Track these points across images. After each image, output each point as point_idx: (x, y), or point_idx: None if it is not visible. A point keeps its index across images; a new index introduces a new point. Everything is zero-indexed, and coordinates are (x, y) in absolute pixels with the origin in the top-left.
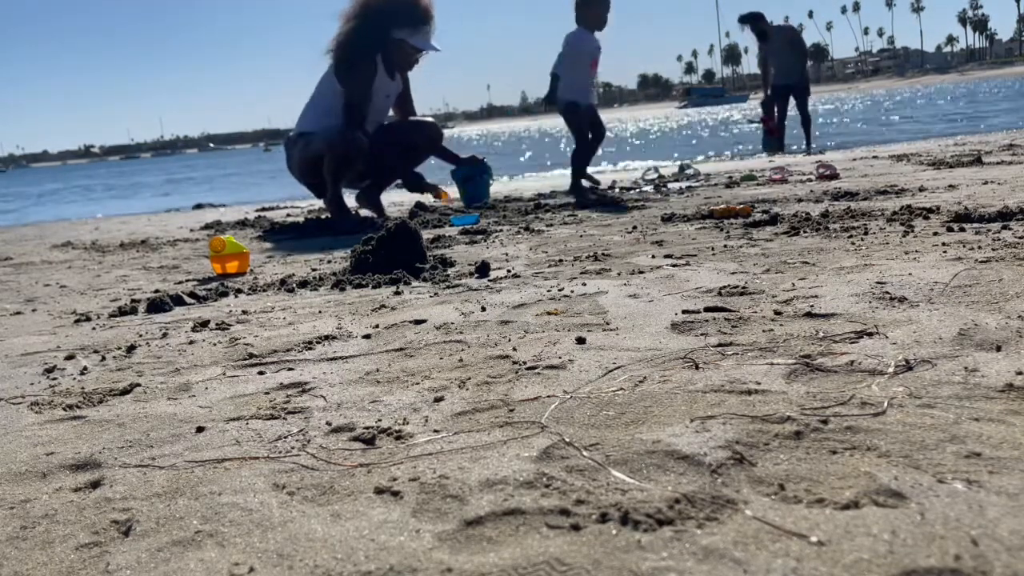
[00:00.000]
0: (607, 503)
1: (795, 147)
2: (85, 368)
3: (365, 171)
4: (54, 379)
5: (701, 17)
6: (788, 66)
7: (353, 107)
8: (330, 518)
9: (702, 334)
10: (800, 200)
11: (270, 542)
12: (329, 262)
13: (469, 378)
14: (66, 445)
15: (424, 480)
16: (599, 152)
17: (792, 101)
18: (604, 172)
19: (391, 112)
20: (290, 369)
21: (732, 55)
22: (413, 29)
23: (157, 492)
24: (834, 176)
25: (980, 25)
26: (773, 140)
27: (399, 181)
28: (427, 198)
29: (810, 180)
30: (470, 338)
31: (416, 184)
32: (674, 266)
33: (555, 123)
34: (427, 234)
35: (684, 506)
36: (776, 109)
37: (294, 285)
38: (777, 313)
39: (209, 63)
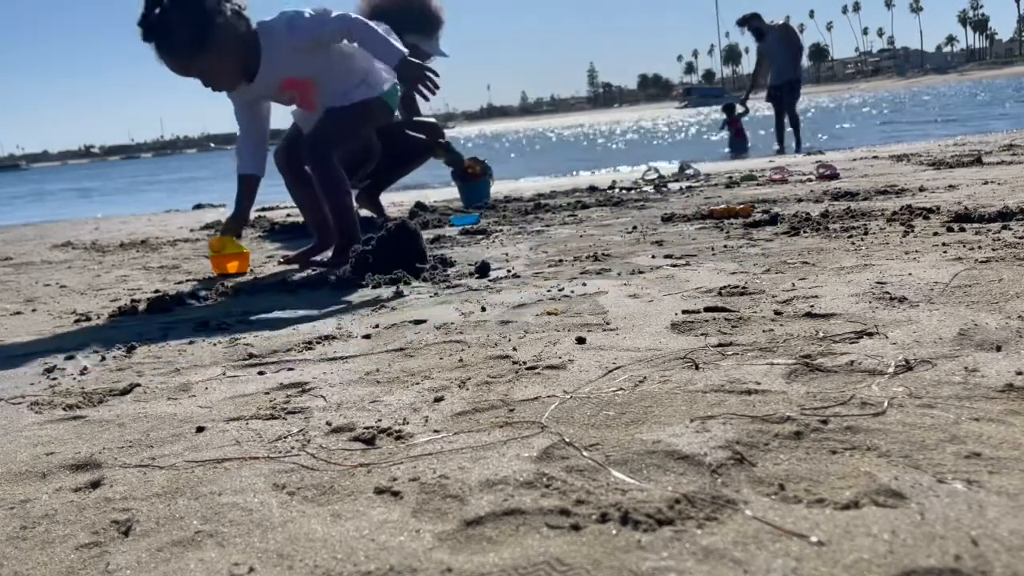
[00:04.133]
0: (607, 503)
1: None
2: (85, 368)
3: (367, 171)
4: (54, 379)
5: (701, 17)
6: (781, 66)
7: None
8: (330, 518)
9: (702, 334)
10: (800, 200)
11: (270, 542)
12: None
13: (469, 378)
14: (66, 445)
15: (424, 480)
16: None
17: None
18: (604, 173)
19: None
20: (290, 369)
21: (732, 55)
22: (424, 35)
23: (157, 492)
24: (834, 176)
25: (980, 25)
26: (739, 143)
27: (403, 178)
28: (427, 198)
29: (810, 180)
30: (470, 338)
31: (457, 162)
32: (674, 266)
33: (556, 123)
34: (427, 234)
35: (684, 506)
36: (774, 110)
37: (294, 285)
38: (777, 313)
39: None
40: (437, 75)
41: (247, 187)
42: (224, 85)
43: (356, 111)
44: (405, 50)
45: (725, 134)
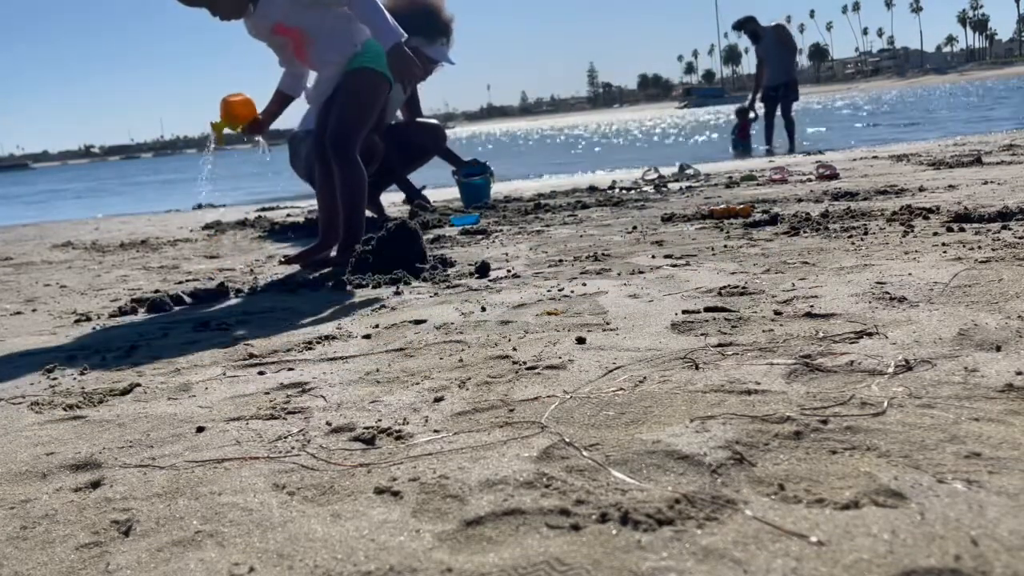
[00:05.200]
0: (607, 503)
1: (778, 147)
2: (85, 368)
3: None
4: (54, 379)
5: (701, 17)
6: (780, 66)
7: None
8: (330, 518)
9: (702, 334)
10: (800, 200)
11: (270, 542)
12: None
13: (469, 378)
14: (66, 445)
15: (424, 480)
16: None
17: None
18: (605, 173)
19: (398, 113)
20: (290, 369)
21: (732, 55)
22: (429, 39)
23: (157, 492)
24: (834, 176)
25: (980, 25)
26: (744, 143)
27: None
28: (427, 197)
29: (810, 180)
30: (470, 338)
31: (412, 196)
32: (674, 266)
33: (556, 123)
34: (427, 234)
35: (684, 506)
36: (764, 110)
37: (294, 285)
38: (777, 313)
39: (209, 63)
40: (422, 76)
41: (278, 99)
42: (230, 13)
43: (360, 93)
44: (404, 35)
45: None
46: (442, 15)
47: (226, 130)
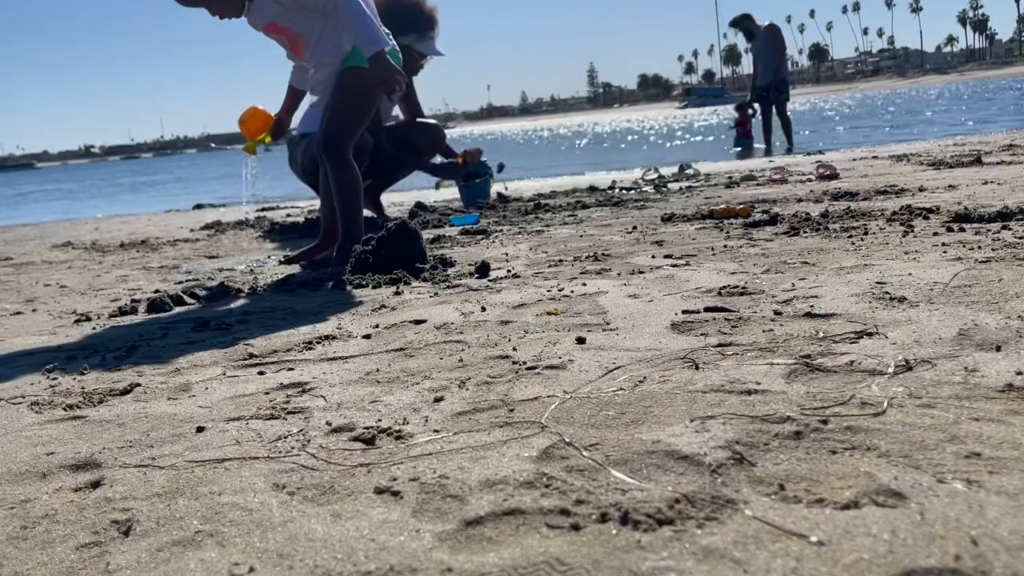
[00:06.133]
0: (607, 503)
1: (778, 144)
2: (85, 368)
3: (366, 171)
4: (54, 379)
5: (701, 17)
6: (770, 66)
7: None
8: (330, 518)
9: (702, 334)
10: (800, 200)
11: (270, 542)
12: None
13: (469, 378)
14: (66, 445)
15: (424, 480)
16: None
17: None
18: (606, 173)
19: (397, 111)
20: (290, 369)
21: (732, 55)
22: (418, 35)
23: (157, 492)
24: (834, 176)
25: (980, 25)
26: (745, 142)
27: (402, 180)
28: (427, 198)
29: (810, 180)
30: (470, 338)
31: (443, 171)
32: (674, 266)
33: (556, 123)
34: (427, 234)
35: (684, 506)
36: (760, 111)
37: (294, 285)
38: (777, 313)
39: (209, 63)
40: (402, 86)
41: (291, 94)
42: (227, 12)
43: (351, 93)
44: (388, 44)
45: (733, 133)
46: (425, 7)
47: (259, 146)
